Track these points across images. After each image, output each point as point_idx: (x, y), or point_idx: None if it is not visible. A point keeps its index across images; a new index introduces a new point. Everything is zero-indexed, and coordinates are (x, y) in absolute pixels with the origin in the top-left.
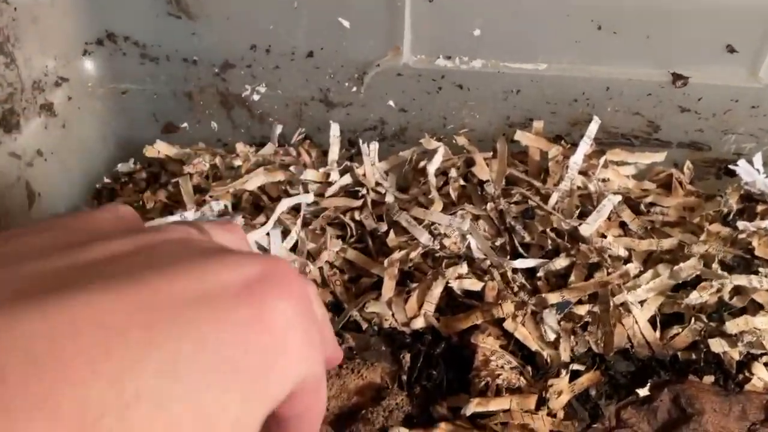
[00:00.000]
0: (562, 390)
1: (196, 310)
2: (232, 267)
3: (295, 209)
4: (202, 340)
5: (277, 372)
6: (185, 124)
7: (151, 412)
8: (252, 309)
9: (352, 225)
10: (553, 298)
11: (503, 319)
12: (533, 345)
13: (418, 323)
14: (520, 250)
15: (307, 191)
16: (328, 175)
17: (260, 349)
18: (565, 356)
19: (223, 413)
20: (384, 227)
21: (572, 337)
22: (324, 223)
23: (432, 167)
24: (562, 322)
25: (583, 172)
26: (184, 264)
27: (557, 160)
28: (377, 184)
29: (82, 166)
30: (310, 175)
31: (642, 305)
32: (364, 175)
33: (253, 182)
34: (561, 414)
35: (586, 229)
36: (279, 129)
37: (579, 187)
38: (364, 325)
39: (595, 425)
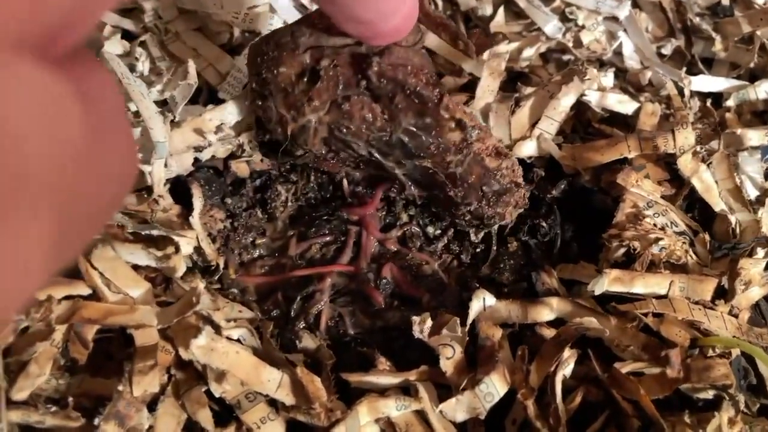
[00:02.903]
0: (751, 279)
1: None
2: None
3: None
4: None
5: None
6: None
7: None
8: None
9: (439, 0)
10: (756, 137)
11: (673, 155)
12: (717, 203)
13: (527, 149)
14: (701, 65)
15: None
16: None
17: None
18: (767, 227)
19: None
20: (488, 8)
21: None
22: None
23: None
24: None
25: None
26: None
27: None
28: None
29: None
30: None
31: None
32: None
33: None
34: (745, 316)
35: None
36: None
37: None
38: None
39: None
